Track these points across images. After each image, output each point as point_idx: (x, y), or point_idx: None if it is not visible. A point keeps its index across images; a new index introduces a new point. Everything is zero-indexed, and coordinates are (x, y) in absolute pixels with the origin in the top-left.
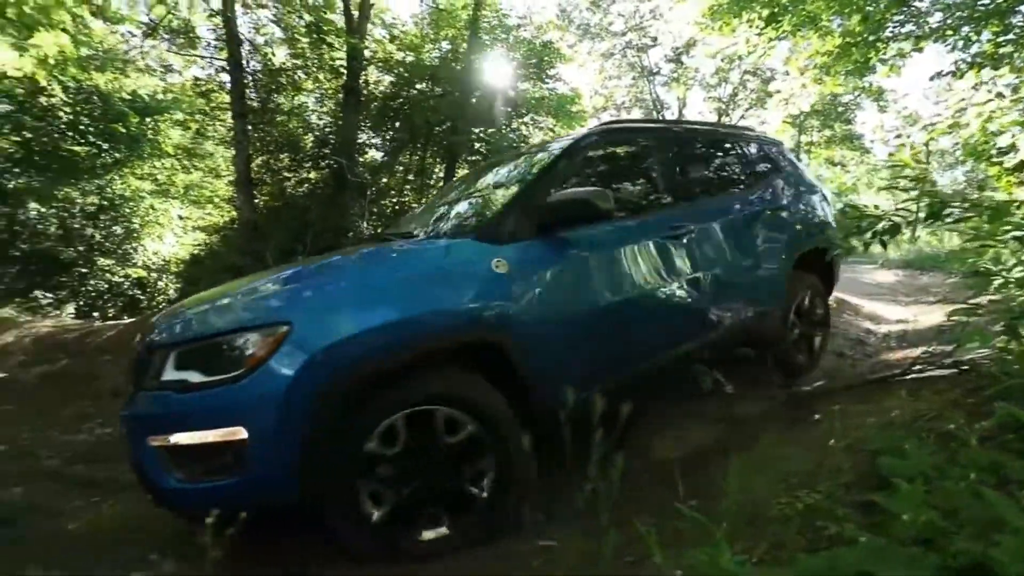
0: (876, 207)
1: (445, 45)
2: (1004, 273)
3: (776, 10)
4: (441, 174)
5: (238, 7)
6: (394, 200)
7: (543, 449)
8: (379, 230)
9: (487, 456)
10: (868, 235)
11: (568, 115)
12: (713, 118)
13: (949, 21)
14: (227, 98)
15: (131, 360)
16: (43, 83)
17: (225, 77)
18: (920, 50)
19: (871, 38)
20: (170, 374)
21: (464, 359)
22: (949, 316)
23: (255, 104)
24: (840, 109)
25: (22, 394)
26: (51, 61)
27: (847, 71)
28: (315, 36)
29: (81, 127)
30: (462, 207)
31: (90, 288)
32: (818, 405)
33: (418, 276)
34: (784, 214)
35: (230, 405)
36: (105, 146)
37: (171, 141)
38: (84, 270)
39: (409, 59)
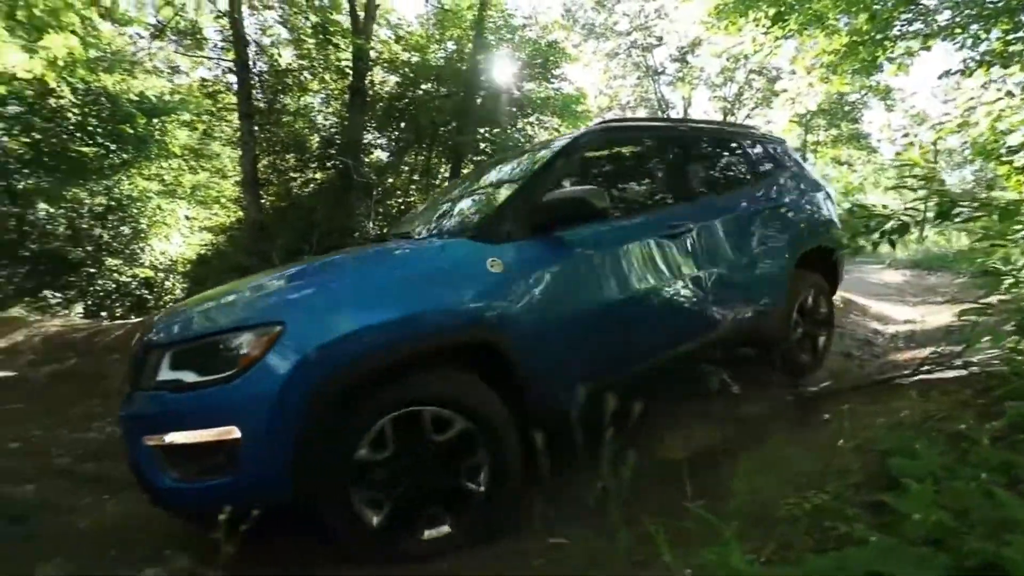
0: (885, 207)
1: (450, 45)
2: (1015, 273)
3: (782, 9)
4: (446, 174)
5: (245, 8)
6: (400, 200)
7: (553, 446)
8: (384, 230)
9: (480, 453)
10: (876, 235)
11: (573, 115)
12: (718, 118)
13: (958, 19)
14: (234, 99)
15: (129, 360)
16: (52, 85)
17: (232, 78)
18: (928, 48)
19: (878, 36)
20: (165, 374)
21: (460, 359)
22: (960, 316)
23: (261, 105)
24: (847, 108)
25: (32, 393)
26: (60, 63)
27: (854, 70)
28: (321, 37)
29: (89, 128)
30: (460, 206)
31: (98, 288)
32: (826, 406)
33: (412, 276)
34: (786, 212)
35: (223, 405)
36: (113, 147)
37: (178, 142)
38: (92, 270)
39: (414, 59)
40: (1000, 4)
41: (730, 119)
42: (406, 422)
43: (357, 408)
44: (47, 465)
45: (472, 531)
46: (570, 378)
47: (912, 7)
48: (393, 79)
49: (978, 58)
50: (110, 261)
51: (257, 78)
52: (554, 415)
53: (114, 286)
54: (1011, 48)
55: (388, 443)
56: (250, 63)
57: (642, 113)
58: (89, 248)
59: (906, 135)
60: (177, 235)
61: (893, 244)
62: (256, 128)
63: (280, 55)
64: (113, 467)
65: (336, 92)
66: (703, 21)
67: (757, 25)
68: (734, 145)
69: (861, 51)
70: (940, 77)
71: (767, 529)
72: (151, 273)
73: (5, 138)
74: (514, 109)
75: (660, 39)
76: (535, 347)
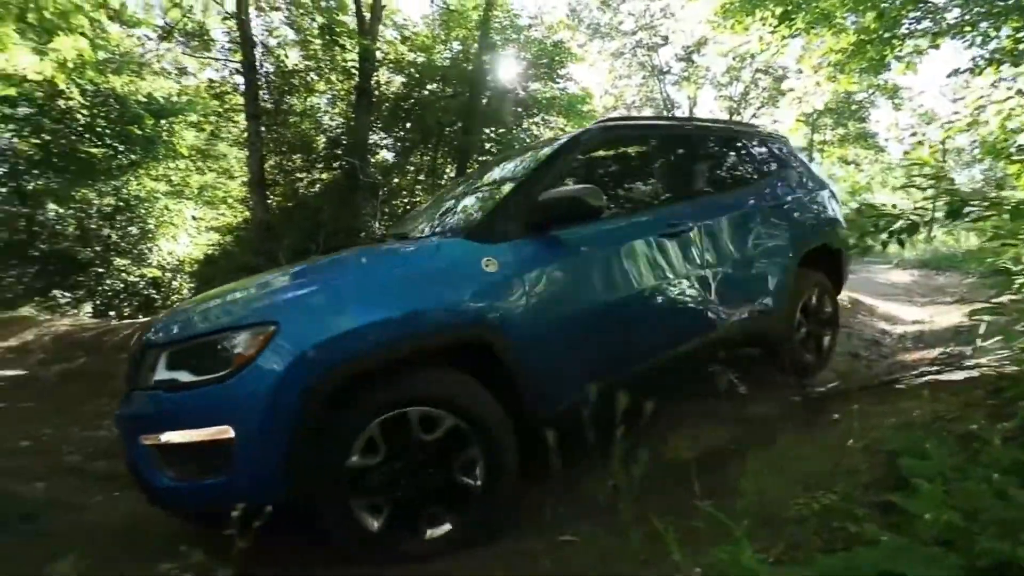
0: (894, 206)
1: (456, 46)
2: None
3: (789, 8)
4: (452, 174)
5: (252, 10)
6: (406, 200)
7: (565, 444)
8: (389, 230)
9: (474, 451)
10: (885, 234)
11: (579, 115)
12: (724, 117)
13: (967, 17)
14: (241, 100)
15: (128, 360)
16: (62, 86)
17: (239, 79)
18: (937, 47)
19: (887, 35)
20: (162, 373)
21: (456, 359)
22: (970, 315)
23: (268, 105)
24: (854, 107)
25: (42, 391)
26: (70, 65)
27: (862, 69)
28: (328, 38)
29: (98, 129)
30: (459, 206)
31: (106, 287)
32: (833, 406)
33: (406, 276)
34: (788, 210)
35: (217, 404)
36: (121, 148)
37: (185, 142)
38: (101, 270)
39: (420, 60)
40: (1010, 1)
41: (736, 118)
42: (399, 424)
43: (350, 409)
44: (57, 463)
45: (472, 529)
46: (567, 378)
47: (921, 5)
48: (399, 79)
49: (988, 56)
50: (118, 261)
51: (264, 79)
52: (551, 414)
53: (122, 286)
54: (1021, 46)
55: (382, 446)
56: (257, 64)
57: (648, 113)
58: (98, 248)
59: (914, 134)
60: (184, 235)
61: (902, 244)
62: (263, 129)
63: (287, 56)
64: (123, 465)
65: (342, 93)
66: (709, 20)
67: (764, 24)
68: (736, 143)
69: (869, 50)
70: (949, 76)
71: (775, 529)
72: (159, 273)
73: (15, 139)
74: (520, 109)
75: (666, 39)
76: (531, 347)
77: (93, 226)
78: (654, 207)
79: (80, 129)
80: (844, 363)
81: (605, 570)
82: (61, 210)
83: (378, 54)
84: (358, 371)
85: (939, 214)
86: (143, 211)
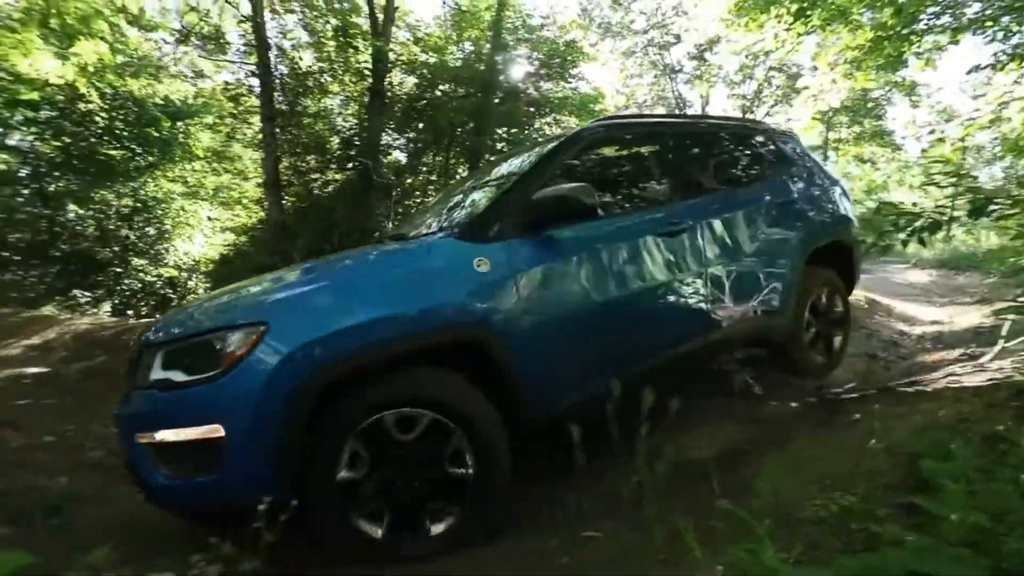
0: (915, 204)
1: (468, 46)
2: None
3: (805, 4)
4: (464, 174)
5: (267, 13)
6: (418, 200)
7: (590, 441)
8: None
9: (458, 440)
10: (905, 233)
11: (591, 114)
12: (737, 115)
13: (988, 11)
14: (256, 102)
15: (128, 360)
16: (82, 90)
17: (254, 81)
18: (957, 42)
19: (904, 31)
20: (157, 373)
21: (448, 360)
22: (995, 314)
23: (283, 107)
24: (870, 105)
25: (64, 388)
26: (90, 68)
27: (879, 66)
28: (341, 40)
29: (116, 132)
30: (458, 206)
31: (125, 287)
32: (851, 407)
33: (397, 276)
34: (795, 207)
35: (208, 403)
36: (139, 150)
37: (201, 144)
38: (119, 270)
39: (432, 61)
40: None
41: (749, 116)
42: (376, 429)
43: (338, 410)
44: (80, 458)
45: (472, 522)
46: (562, 377)
47: (940, 0)
48: (411, 80)
49: (1010, 52)
50: (136, 261)
51: (279, 81)
52: (547, 413)
53: (140, 285)
54: None
55: (365, 456)
56: (272, 66)
57: (660, 111)
58: (116, 248)
59: (932, 131)
60: (200, 236)
61: (924, 243)
62: (278, 130)
63: (301, 58)
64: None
65: (356, 94)
66: (722, 18)
67: (779, 21)
68: (740, 140)
69: (886, 46)
70: (969, 72)
71: (791, 529)
72: (175, 273)
73: (37, 142)
74: (532, 109)
75: (677, 37)
76: (525, 347)
77: (112, 227)
78: (653, 206)
79: (99, 132)
80: (861, 364)
81: (629, 568)
82: (81, 211)
83: (391, 55)
84: (346, 371)
85: (959, 212)
86: (160, 212)
